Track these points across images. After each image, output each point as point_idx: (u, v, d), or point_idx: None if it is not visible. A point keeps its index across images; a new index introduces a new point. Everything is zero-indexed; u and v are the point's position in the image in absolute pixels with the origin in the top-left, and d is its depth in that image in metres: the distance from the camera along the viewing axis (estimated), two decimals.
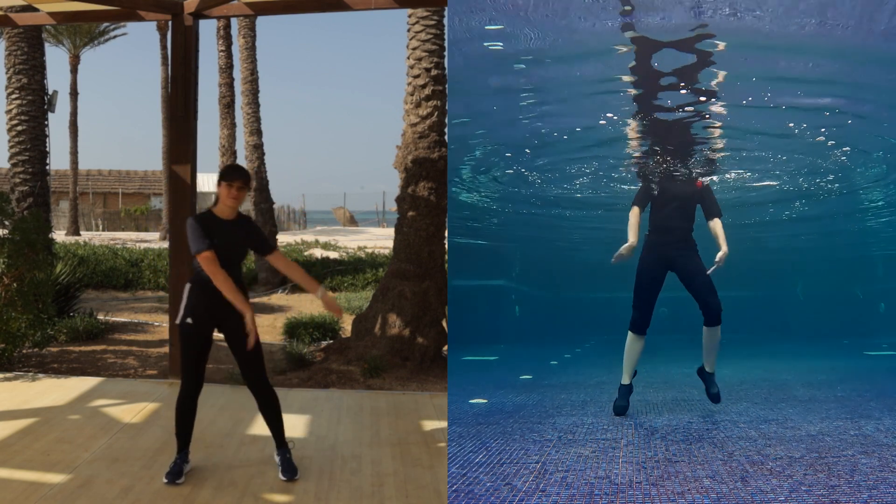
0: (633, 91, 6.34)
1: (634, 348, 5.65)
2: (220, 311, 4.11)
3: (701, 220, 5.66)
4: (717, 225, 5.61)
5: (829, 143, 8.27)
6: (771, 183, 11.37)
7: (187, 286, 4.16)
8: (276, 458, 4.31)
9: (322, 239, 26.86)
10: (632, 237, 5.49)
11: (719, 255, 5.41)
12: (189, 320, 4.09)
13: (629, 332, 5.67)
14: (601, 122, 7.56)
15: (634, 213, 5.61)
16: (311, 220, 48.06)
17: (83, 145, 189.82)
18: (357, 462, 4.54)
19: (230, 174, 4.14)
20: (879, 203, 13.47)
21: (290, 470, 4.24)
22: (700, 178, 6.21)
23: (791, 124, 7.30)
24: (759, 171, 10.24)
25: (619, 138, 8.22)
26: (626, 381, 5.66)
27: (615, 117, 7.35)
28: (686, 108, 6.88)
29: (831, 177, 10.75)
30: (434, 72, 7.70)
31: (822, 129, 7.68)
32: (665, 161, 8.56)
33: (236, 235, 4.15)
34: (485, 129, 8.25)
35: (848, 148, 8.77)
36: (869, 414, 5.42)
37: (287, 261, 4.37)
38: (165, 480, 4.13)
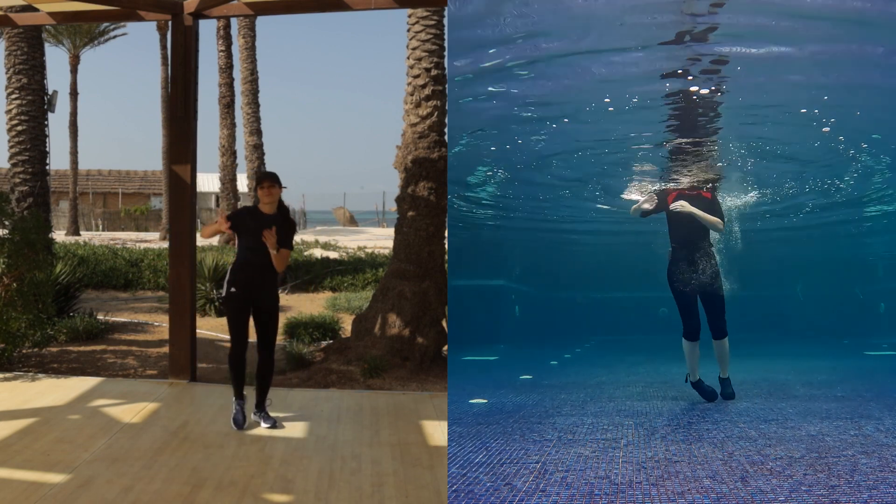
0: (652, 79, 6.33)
1: (691, 353, 6.15)
2: (253, 285, 5.12)
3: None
4: (712, 218, 6.06)
5: (840, 137, 8.24)
6: (763, 192, 11.46)
7: (230, 267, 5.20)
8: (255, 416, 5.22)
9: (322, 239, 26.87)
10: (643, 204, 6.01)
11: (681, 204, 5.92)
12: (233, 289, 5.08)
13: (683, 340, 6.15)
14: (603, 122, 7.56)
15: (641, 206, 5.99)
16: (311, 220, 48.04)
17: (83, 145, 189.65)
18: (357, 462, 4.54)
19: (261, 178, 5.11)
20: (881, 203, 13.47)
21: (269, 420, 5.17)
22: (706, 189, 6.36)
23: (803, 110, 7.24)
24: (763, 173, 10.25)
25: (622, 139, 8.22)
26: (694, 378, 6.20)
27: (617, 119, 7.35)
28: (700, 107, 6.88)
29: (849, 178, 10.76)
30: (434, 72, 7.70)
31: (826, 127, 7.65)
32: (681, 166, 8.61)
33: (269, 225, 4.98)
34: (485, 129, 8.25)
35: (867, 145, 8.74)
36: (869, 414, 5.42)
37: (283, 257, 5.18)
38: (234, 427, 5.07)
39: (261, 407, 5.25)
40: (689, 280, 6.05)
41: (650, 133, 7.69)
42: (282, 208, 5.17)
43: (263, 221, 5.02)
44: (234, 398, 5.24)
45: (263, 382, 5.24)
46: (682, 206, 5.90)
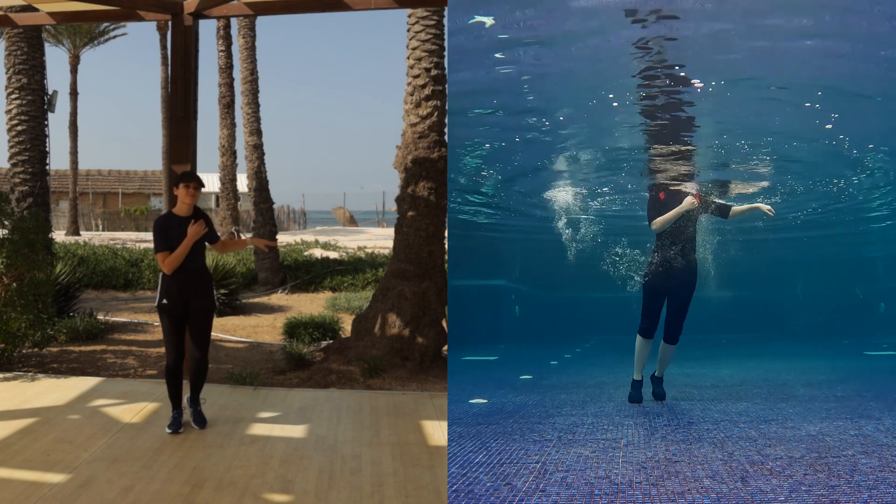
0: (637, 79, 6.33)
1: (644, 350, 6.15)
2: (187, 291, 5.02)
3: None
4: (736, 208, 6.20)
5: (840, 136, 8.23)
6: (774, 200, 11.47)
7: (160, 275, 5.06)
8: (189, 410, 5.21)
9: (322, 239, 26.86)
10: (680, 207, 5.95)
11: (766, 208, 6.03)
12: (165, 301, 5.00)
13: (638, 336, 6.18)
14: (602, 124, 7.56)
15: (659, 221, 6.02)
16: (311, 220, 48.05)
17: (83, 145, 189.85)
18: (357, 462, 4.54)
19: (188, 176, 5.04)
20: (881, 203, 13.47)
21: (200, 420, 5.16)
22: (697, 193, 6.40)
23: (807, 104, 7.23)
24: (764, 176, 10.26)
25: (621, 140, 8.22)
26: (637, 377, 6.21)
27: (618, 119, 7.35)
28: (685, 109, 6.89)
29: (855, 178, 10.76)
30: (434, 72, 7.70)
31: (830, 121, 7.64)
32: (670, 168, 8.63)
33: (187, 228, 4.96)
34: (485, 129, 8.25)
35: (872, 145, 8.73)
36: (869, 414, 5.42)
37: (224, 241, 5.33)
38: (169, 431, 4.99)
39: (195, 402, 5.22)
40: (668, 280, 6.06)
41: (644, 130, 7.69)
42: (196, 210, 5.10)
43: (184, 226, 4.96)
44: (172, 409, 5.14)
45: (199, 380, 5.20)
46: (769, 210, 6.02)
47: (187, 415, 5.24)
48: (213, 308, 5.23)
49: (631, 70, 5.99)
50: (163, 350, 7.93)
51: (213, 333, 8.96)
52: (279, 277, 13.92)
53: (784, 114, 7.30)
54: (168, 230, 4.94)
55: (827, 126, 7.68)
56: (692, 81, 6.25)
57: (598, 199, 12.51)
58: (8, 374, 6.62)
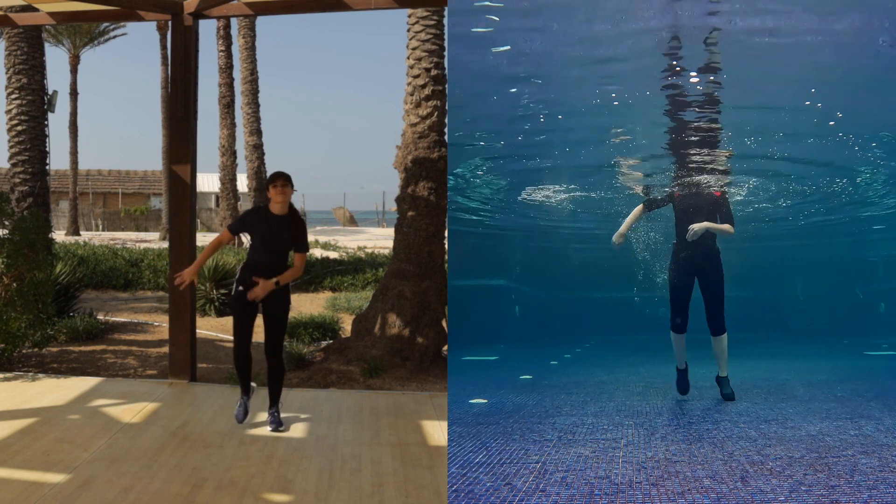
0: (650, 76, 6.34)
1: (679, 344, 6.25)
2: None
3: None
4: (724, 225, 6.15)
5: (840, 135, 8.24)
6: (779, 203, 11.48)
7: (241, 265, 5.19)
8: (267, 414, 5.22)
9: (322, 239, 26.85)
10: (622, 228, 6.10)
11: (697, 226, 5.93)
12: (240, 288, 5.05)
13: (671, 332, 6.24)
14: (603, 123, 7.56)
15: (637, 209, 6.12)
16: (310, 220, 47.93)
17: (83, 145, 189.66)
18: (357, 462, 4.54)
19: (274, 176, 5.00)
20: (881, 203, 13.47)
21: (276, 422, 5.15)
22: (718, 189, 6.40)
23: (807, 102, 7.22)
24: (766, 176, 10.26)
25: (621, 140, 8.22)
26: (680, 366, 6.34)
27: (618, 118, 7.35)
28: (698, 110, 6.90)
29: (859, 178, 10.78)
30: (434, 72, 7.69)
31: (833, 120, 7.64)
32: (682, 172, 8.64)
33: (281, 228, 5.02)
34: (485, 129, 8.25)
35: (876, 144, 8.74)
36: (869, 414, 5.42)
37: (299, 265, 5.23)
38: (238, 420, 5.18)
39: (274, 406, 5.25)
40: (691, 274, 6.09)
41: (648, 128, 7.69)
42: (291, 209, 5.12)
43: (273, 223, 5.01)
44: (240, 393, 5.33)
45: (275, 386, 5.22)
46: (694, 233, 5.94)
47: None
48: (286, 311, 5.21)
49: (632, 68, 6.00)
50: (163, 350, 7.95)
51: (212, 333, 8.99)
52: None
53: (787, 112, 7.31)
54: (250, 222, 5.05)
55: (830, 122, 7.68)
56: (689, 74, 6.26)
57: (597, 198, 12.52)
58: (8, 374, 6.62)
